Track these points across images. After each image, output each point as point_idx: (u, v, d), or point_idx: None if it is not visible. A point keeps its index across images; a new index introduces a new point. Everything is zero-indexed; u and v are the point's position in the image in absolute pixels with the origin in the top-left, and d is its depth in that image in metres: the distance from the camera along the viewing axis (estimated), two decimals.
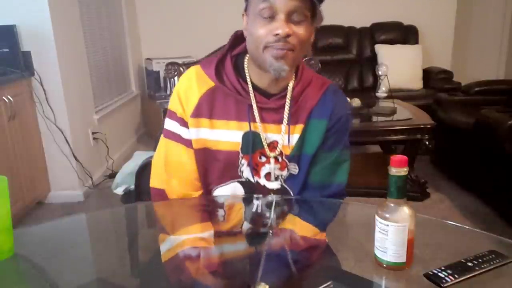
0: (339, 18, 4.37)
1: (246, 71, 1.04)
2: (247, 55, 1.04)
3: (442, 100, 3.29)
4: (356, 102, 2.97)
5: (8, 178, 0.81)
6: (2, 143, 2.39)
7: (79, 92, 3.07)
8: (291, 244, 0.93)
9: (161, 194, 1.08)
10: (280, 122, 1.03)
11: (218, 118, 1.03)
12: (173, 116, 1.05)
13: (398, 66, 3.81)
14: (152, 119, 4.51)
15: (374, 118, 2.99)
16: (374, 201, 2.55)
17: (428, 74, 4.16)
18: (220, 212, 1.10)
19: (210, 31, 4.02)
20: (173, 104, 1.06)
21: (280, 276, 0.80)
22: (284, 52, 0.92)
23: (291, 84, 1.04)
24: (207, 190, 1.10)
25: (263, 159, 1.04)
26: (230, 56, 1.05)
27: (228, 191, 1.08)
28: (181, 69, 1.45)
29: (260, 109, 1.03)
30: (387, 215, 0.73)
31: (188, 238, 0.98)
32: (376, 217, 0.75)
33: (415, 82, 4.09)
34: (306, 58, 1.48)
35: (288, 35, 0.91)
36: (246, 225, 1.01)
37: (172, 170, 1.07)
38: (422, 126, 2.68)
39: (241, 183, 1.07)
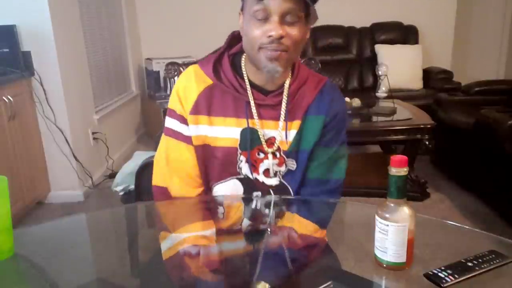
0: (339, 18, 4.37)
1: (243, 69, 1.05)
2: (244, 54, 1.06)
3: (442, 100, 3.29)
4: (356, 102, 2.97)
5: (8, 178, 0.81)
6: (2, 143, 2.39)
7: (79, 92, 3.07)
8: (290, 242, 0.94)
9: (164, 192, 1.09)
10: (277, 118, 1.05)
11: (216, 115, 1.04)
12: (173, 114, 1.07)
13: (398, 66, 3.81)
14: (152, 119, 4.51)
15: (374, 118, 2.99)
16: (374, 201, 2.55)
17: (428, 74, 4.16)
18: (220, 210, 1.11)
19: (210, 31, 4.01)
20: (172, 102, 1.07)
21: (280, 274, 0.80)
22: (278, 53, 0.94)
23: (287, 82, 1.05)
24: (208, 187, 1.11)
25: (261, 155, 1.06)
26: (228, 55, 1.06)
27: (227, 188, 1.09)
28: (181, 69, 1.45)
29: (258, 105, 1.04)
30: (387, 215, 0.73)
31: (189, 236, 0.99)
32: (376, 217, 0.75)
33: (415, 82, 4.09)
34: (306, 58, 1.48)
35: (281, 37, 0.92)
36: (246, 222, 1.02)
37: (173, 168, 1.08)
38: (422, 126, 2.68)
39: (240, 180, 1.08)
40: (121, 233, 1.07)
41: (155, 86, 4.16)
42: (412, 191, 2.76)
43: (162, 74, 4.03)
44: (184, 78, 1.07)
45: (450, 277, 0.70)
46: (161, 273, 0.83)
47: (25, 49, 2.67)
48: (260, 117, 1.04)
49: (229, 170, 1.07)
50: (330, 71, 4.21)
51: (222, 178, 1.08)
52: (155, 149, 1.16)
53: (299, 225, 1.01)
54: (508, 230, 2.33)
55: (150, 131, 4.57)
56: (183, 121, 1.06)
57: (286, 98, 1.04)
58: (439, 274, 0.71)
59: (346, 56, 4.37)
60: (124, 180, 1.88)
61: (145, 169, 1.46)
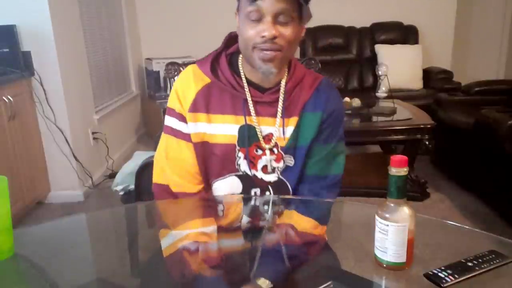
0: (339, 18, 4.37)
1: (240, 67, 1.07)
2: (241, 54, 1.07)
3: (442, 100, 3.29)
4: (356, 102, 2.97)
5: (8, 178, 0.81)
6: (2, 143, 2.39)
7: (79, 92, 3.07)
8: (290, 239, 0.95)
9: (165, 189, 1.10)
10: (274, 115, 1.07)
11: (214, 112, 1.06)
12: (172, 112, 1.09)
13: (398, 66, 3.81)
14: (152, 119, 4.51)
15: (374, 118, 2.99)
16: (374, 201, 2.55)
17: (428, 74, 4.16)
18: (219, 207, 1.12)
19: (210, 31, 4.01)
20: (171, 101, 1.09)
21: (279, 271, 0.80)
22: (272, 54, 0.96)
23: (284, 80, 1.07)
24: (207, 185, 1.12)
25: (259, 152, 1.07)
26: (225, 54, 1.08)
27: (226, 185, 1.10)
28: (181, 69, 1.45)
29: (255, 103, 1.06)
30: (387, 215, 0.73)
31: (189, 233, 1.01)
32: (376, 217, 0.75)
33: (415, 82, 4.09)
34: (306, 58, 1.48)
35: (274, 37, 0.94)
36: (245, 219, 1.04)
37: (173, 165, 1.09)
38: (422, 126, 2.68)
39: (239, 176, 1.09)
40: (121, 233, 1.07)
41: (155, 86, 4.15)
42: (412, 191, 2.76)
43: (162, 74, 4.02)
44: (182, 77, 1.09)
45: (450, 277, 0.70)
46: (161, 273, 0.83)
47: (25, 49, 2.67)
48: (258, 114, 1.06)
49: (228, 167, 1.08)
50: (330, 71, 4.21)
51: (221, 175, 1.09)
52: (155, 149, 1.16)
53: (298, 221, 1.02)
54: (508, 230, 2.33)
55: (150, 131, 4.57)
56: (182, 119, 1.07)
57: (282, 96, 1.06)
58: (439, 274, 0.71)
59: (346, 56, 4.37)
60: (124, 180, 1.88)
61: (145, 169, 1.46)
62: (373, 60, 4.18)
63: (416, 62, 4.14)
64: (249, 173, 1.08)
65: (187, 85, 1.07)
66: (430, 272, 0.72)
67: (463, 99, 3.35)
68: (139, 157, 1.90)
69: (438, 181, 3.04)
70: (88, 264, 0.88)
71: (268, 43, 0.95)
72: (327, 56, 4.29)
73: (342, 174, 1.13)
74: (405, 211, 0.73)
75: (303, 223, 1.02)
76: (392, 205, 0.74)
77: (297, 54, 4.26)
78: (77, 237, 1.00)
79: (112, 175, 3.18)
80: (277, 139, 1.07)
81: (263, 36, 0.94)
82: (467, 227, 0.96)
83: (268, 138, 1.07)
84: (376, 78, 3.37)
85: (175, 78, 1.47)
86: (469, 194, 2.80)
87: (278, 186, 1.10)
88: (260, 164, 1.08)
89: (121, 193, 1.88)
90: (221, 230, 0.99)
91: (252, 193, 1.10)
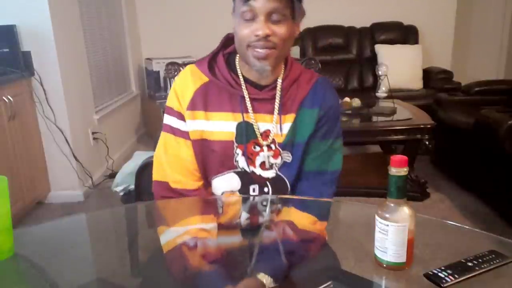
0: (339, 18, 4.37)
1: (237, 66, 1.09)
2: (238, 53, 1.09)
3: (442, 100, 3.29)
4: (356, 102, 2.97)
5: (8, 178, 0.81)
6: (2, 143, 2.39)
7: (79, 92, 3.07)
8: (287, 235, 0.96)
9: (165, 187, 1.12)
10: (271, 112, 1.08)
11: (212, 110, 1.08)
12: (171, 111, 1.10)
13: (398, 66, 3.81)
14: (152, 119, 4.50)
15: (374, 118, 2.99)
16: (374, 201, 2.55)
17: (428, 74, 4.16)
18: (219, 204, 1.14)
19: (210, 31, 4.01)
20: (170, 100, 1.11)
21: (279, 266, 0.81)
22: (266, 52, 0.98)
23: (280, 77, 1.09)
24: (207, 182, 1.14)
25: (257, 148, 1.09)
26: (223, 54, 1.11)
27: (225, 182, 1.11)
28: (181, 69, 1.45)
29: (252, 100, 1.07)
30: (387, 215, 0.73)
31: (189, 230, 1.02)
32: (376, 217, 0.75)
33: (415, 82, 4.09)
34: (306, 58, 1.48)
35: (268, 35, 0.97)
36: (244, 215, 1.07)
37: (172, 162, 1.11)
38: (422, 126, 2.68)
39: (237, 173, 1.10)
40: (121, 233, 1.07)
41: (155, 86, 4.15)
42: (412, 191, 2.76)
43: (162, 74, 4.02)
44: (181, 77, 1.11)
45: (450, 277, 0.70)
46: (161, 273, 0.83)
47: (25, 49, 2.67)
48: (255, 111, 1.08)
49: (226, 163, 1.09)
50: (330, 71, 4.21)
51: (220, 172, 1.11)
52: (155, 149, 1.17)
53: (297, 217, 1.04)
54: (508, 230, 2.33)
55: (150, 131, 4.57)
56: (181, 117, 1.09)
57: (279, 93, 1.08)
58: (439, 274, 0.71)
59: (346, 56, 4.37)
60: (124, 180, 1.88)
61: (145, 169, 1.46)
62: (373, 60, 4.17)
63: (416, 62, 4.14)
64: (247, 169, 1.09)
65: (185, 84, 1.09)
66: (430, 272, 0.72)
67: (463, 99, 3.35)
68: (139, 157, 1.90)
69: (438, 181, 3.04)
70: (88, 264, 0.88)
71: (262, 41, 0.97)
72: (327, 56, 4.29)
73: (340, 171, 1.14)
74: (405, 211, 0.73)
75: (302, 219, 1.03)
76: (392, 205, 0.74)
77: (297, 54, 4.26)
78: (77, 237, 1.00)
79: (112, 175, 3.18)
80: (275, 136, 1.08)
81: (256, 35, 0.97)
82: (467, 227, 0.96)
83: (265, 134, 1.09)
84: (376, 78, 3.37)
85: (175, 78, 1.47)
86: (469, 194, 2.80)
87: (276, 182, 1.11)
88: (258, 161, 1.09)
89: (121, 193, 1.88)
90: (220, 227, 1.01)
91: (251, 190, 1.11)
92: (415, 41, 4.34)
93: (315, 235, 1.00)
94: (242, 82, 1.07)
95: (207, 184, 1.14)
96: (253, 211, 1.12)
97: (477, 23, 4.97)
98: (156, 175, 1.13)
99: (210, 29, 4.21)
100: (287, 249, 0.89)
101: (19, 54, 2.63)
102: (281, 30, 0.98)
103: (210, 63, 1.09)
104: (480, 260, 0.75)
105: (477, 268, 0.73)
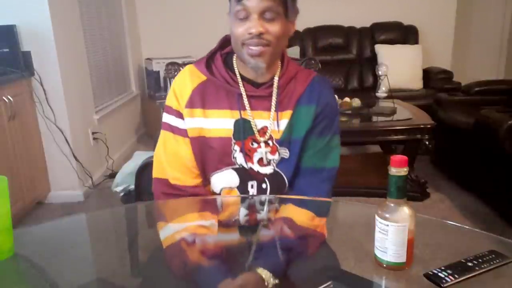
0: (339, 18, 4.37)
1: (235, 65, 1.12)
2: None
3: (442, 100, 3.29)
4: (356, 102, 2.97)
5: (8, 178, 0.81)
6: (2, 143, 2.39)
7: (79, 92, 3.07)
8: (286, 232, 0.97)
9: (165, 183, 1.13)
10: (269, 109, 1.10)
11: (210, 107, 1.10)
12: (170, 110, 1.12)
13: (398, 66, 3.81)
14: (152, 119, 4.50)
15: (374, 118, 2.99)
16: (374, 201, 2.55)
17: (428, 74, 4.16)
18: (218, 201, 1.16)
19: (210, 31, 4.01)
20: (169, 99, 1.13)
21: (277, 262, 0.82)
22: (260, 50, 1.01)
23: (277, 75, 1.11)
24: (206, 179, 1.15)
25: (255, 145, 1.10)
26: (220, 54, 1.13)
27: (223, 178, 1.13)
28: (181, 69, 1.45)
29: (250, 97, 1.09)
30: (387, 215, 0.73)
31: (188, 226, 1.05)
32: (376, 217, 0.75)
33: (415, 82, 4.09)
34: (306, 58, 1.48)
35: (261, 33, 0.99)
36: (243, 212, 1.09)
37: (171, 159, 1.13)
38: (422, 126, 2.68)
39: (236, 169, 1.11)
40: (121, 233, 1.07)
41: (155, 86, 4.15)
42: (412, 191, 2.76)
43: (162, 74, 4.02)
44: (179, 76, 1.14)
45: (450, 277, 0.70)
46: (161, 273, 0.83)
47: (25, 49, 2.67)
48: (252, 108, 1.09)
49: (224, 160, 1.11)
50: (330, 71, 4.21)
51: (218, 168, 1.12)
52: (155, 149, 1.17)
53: (295, 213, 1.05)
54: (508, 230, 2.33)
55: (150, 131, 4.57)
56: (179, 115, 1.11)
57: (276, 90, 1.09)
58: (439, 274, 0.71)
59: (346, 56, 4.37)
60: (124, 180, 1.88)
61: (145, 169, 1.46)
62: (373, 60, 4.17)
63: (416, 62, 4.14)
64: (245, 166, 1.11)
65: (183, 84, 1.11)
66: (430, 272, 0.72)
67: (463, 99, 3.35)
68: (139, 157, 1.90)
69: (438, 181, 3.04)
70: (88, 264, 0.88)
71: (255, 39, 1.00)
72: (327, 56, 4.29)
73: (337, 168, 1.15)
74: (405, 211, 0.73)
75: (300, 215, 1.05)
76: (392, 205, 0.74)
77: (297, 54, 4.25)
78: (77, 237, 1.00)
79: (112, 175, 3.18)
80: (272, 132, 1.10)
81: (250, 33, 0.99)
82: (467, 227, 0.96)
83: (263, 131, 1.10)
84: (376, 78, 3.37)
85: (175, 78, 1.48)
86: (469, 194, 2.80)
87: (274, 178, 1.12)
88: (256, 157, 1.11)
89: (121, 193, 1.88)
90: (219, 225, 1.04)
91: (249, 186, 1.13)
92: (415, 41, 4.34)
93: (314, 231, 1.01)
94: (239, 80, 1.09)
95: (206, 182, 1.15)
96: (252, 209, 1.13)
97: (477, 23, 4.97)
98: (156, 173, 1.15)
99: (210, 29, 4.21)
100: (285, 245, 0.90)
101: (19, 54, 2.63)
102: (274, 28, 1.00)
103: (208, 62, 1.12)
104: (480, 260, 0.75)
105: (477, 268, 0.73)
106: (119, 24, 4.12)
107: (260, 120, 1.09)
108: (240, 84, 1.09)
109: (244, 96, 1.09)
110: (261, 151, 1.10)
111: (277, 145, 1.10)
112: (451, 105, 3.22)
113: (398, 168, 0.72)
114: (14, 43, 2.60)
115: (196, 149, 1.10)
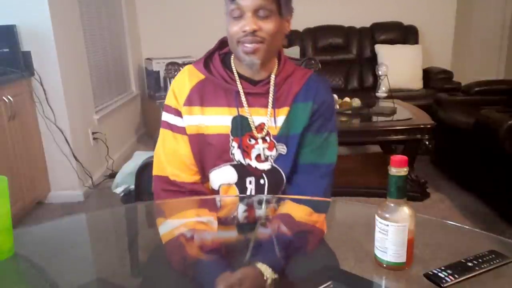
0: (339, 18, 4.37)
1: (232, 64, 1.14)
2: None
3: (442, 100, 3.29)
4: (356, 102, 2.97)
5: (8, 178, 0.81)
6: (2, 143, 2.39)
7: (79, 92, 3.07)
8: (284, 232, 0.98)
9: (164, 180, 1.14)
10: (266, 106, 1.12)
11: (208, 105, 1.11)
12: (169, 109, 1.14)
13: (398, 66, 3.81)
14: (152, 119, 4.50)
15: (374, 118, 2.99)
16: (374, 201, 2.55)
17: (428, 74, 4.16)
18: (217, 198, 1.16)
19: (210, 31, 4.01)
20: (168, 98, 1.15)
21: (276, 258, 0.83)
22: (254, 47, 1.03)
23: (273, 73, 1.13)
24: (204, 176, 1.16)
25: (252, 141, 1.12)
26: (218, 53, 1.15)
27: (222, 174, 1.14)
28: (181, 69, 1.45)
29: (247, 94, 1.11)
30: (387, 215, 0.73)
31: (187, 222, 1.07)
32: (376, 217, 0.75)
33: (415, 82, 4.09)
34: (306, 58, 1.48)
35: (255, 31, 1.01)
36: (242, 208, 1.11)
37: (170, 157, 1.14)
38: (422, 126, 2.68)
39: (234, 166, 1.13)
40: (121, 233, 1.07)
41: (155, 86, 4.15)
42: (412, 191, 2.76)
43: (162, 74, 4.02)
44: (178, 76, 1.16)
45: (450, 277, 0.70)
46: (161, 272, 0.83)
47: (25, 49, 2.66)
48: (250, 105, 1.11)
49: (223, 156, 1.12)
50: (330, 71, 4.21)
51: (217, 165, 1.13)
52: (154, 149, 1.17)
53: (293, 209, 1.06)
54: (508, 230, 2.33)
55: (150, 131, 4.57)
56: (178, 114, 1.12)
57: (273, 87, 1.11)
58: (439, 274, 0.71)
59: (346, 56, 4.37)
60: (124, 180, 1.88)
61: (145, 169, 1.46)
62: (373, 60, 4.17)
63: (416, 62, 4.14)
64: (243, 162, 1.12)
65: (182, 83, 1.13)
66: (430, 272, 0.72)
67: (463, 99, 3.35)
68: (139, 157, 1.90)
69: (438, 181, 3.04)
70: (88, 264, 0.88)
71: (250, 37, 1.02)
72: (327, 56, 4.29)
73: (335, 164, 1.16)
74: (405, 211, 0.73)
75: (299, 211, 1.06)
76: (392, 205, 0.74)
77: (297, 54, 4.25)
78: (77, 237, 1.00)
79: (112, 175, 3.18)
80: (269, 128, 1.11)
81: (244, 31, 1.01)
82: (467, 227, 0.97)
83: (260, 127, 1.11)
84: (376, 78, 3.37)
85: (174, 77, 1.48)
86: (469, 194, 2.80)
87: (272, 174, 1.13)
88: (253, 153, 1.12)
89: (121, 194, 1.88)
90: (218, 222, 1.06)
91: (247, 182, 1.14)
92: (415, 41, 4.35)
93: (313, 227, 1.02)
94: (237, 77, 1.11)
95: (205, 179, 1.16)
96: (250, 207, 1.15)
97: (477, 23, 4.97)
98: (156, 170, 1.17)
99: (210, 29, 4.20)
100: (284, 242, 0.92)
101: (19, 54, 2.63)
102: (268, 25, 1.02)
103: (206, 62, 1.14)
104: (480, 260, 0.75)
105: (477, 268, 0.73)
106: (119, 24, 4.12)
107: (257, 116, 1.11)
108: (238, 82, 1.11)
109: (242, 94, 1.10)
110: (259, 147, 1.11)
111: (275, 141, 1.12)
112: (451, 105, 3.22)
113: (398, 168, 0.72)
114: (14, 43, 2.60)
115: (195, 146, 1.12)
